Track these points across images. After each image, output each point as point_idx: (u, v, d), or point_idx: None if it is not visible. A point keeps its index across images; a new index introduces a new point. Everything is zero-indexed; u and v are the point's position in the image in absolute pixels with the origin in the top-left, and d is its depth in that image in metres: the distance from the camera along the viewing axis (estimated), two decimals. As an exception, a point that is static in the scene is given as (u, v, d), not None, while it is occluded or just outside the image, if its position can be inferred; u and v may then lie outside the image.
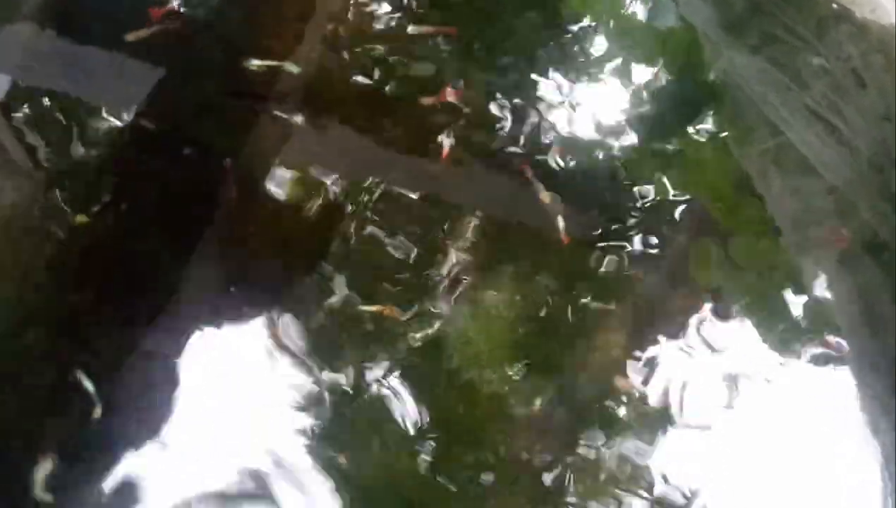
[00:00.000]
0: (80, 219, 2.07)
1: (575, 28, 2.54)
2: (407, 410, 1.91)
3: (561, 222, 2.15)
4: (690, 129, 2.36)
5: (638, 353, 2.03)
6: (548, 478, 1.86)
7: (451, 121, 2.30)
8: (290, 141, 2.27)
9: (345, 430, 1.88)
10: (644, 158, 2.33)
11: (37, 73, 2.33)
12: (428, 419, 1.90)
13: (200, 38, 2.39)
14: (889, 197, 2.07)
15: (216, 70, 2.32)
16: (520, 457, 1.89)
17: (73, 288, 1.99)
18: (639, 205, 2.25)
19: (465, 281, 2.09)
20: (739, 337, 2.06)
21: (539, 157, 2.30)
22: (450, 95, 2.32)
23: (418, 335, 2.00)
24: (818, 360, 2.01)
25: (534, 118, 2.37)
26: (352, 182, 2.21)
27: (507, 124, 2.34)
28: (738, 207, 2.23)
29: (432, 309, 2.04)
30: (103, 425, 1.82)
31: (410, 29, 2.44)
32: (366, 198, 2.19)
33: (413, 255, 2.12)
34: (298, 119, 2.28)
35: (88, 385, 1.83)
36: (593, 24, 2.54)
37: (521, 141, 2.32)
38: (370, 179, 2.22)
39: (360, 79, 2.37)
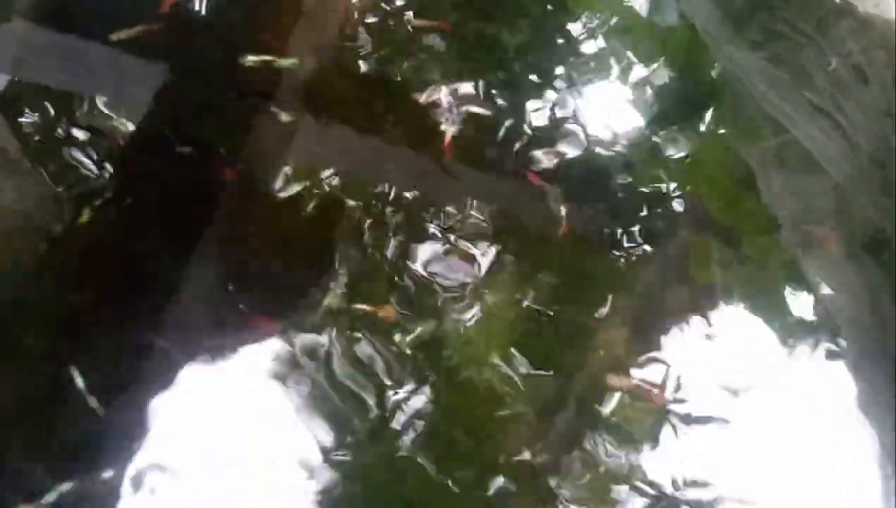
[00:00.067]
0: (84, 218, 2.07)
1: (576, 25, 2.53)
2: (407, 410, 1.91)
3: (563, 211, 2.16)
4: (691, 126, 2.35)
5: (638, 351, 2.02)
6: (549, 477, 1.86)
7: (451, 116, 2.30)
8: (290, 140, 2.27)
9: (345, 430, 1.88)
10: (645, 155, 2.33)
11: (36, 73, 2.33)
12: (428, 419, 1.90)
13: (200, 37, 2.39)
14: (891, 192, 2.06)
15: (216, 70, 2.32)
16: (521, 457, 1.89)
17: (73, 288, 1.99)
18: (639, 202, 2.25)
19: (465, 281, 2.08)
20: (740, 334, 2.06)
21: (539, 155, 2.29)
22: (450, 93, 2.32)
23: (417, 334, 2.00)
24: (819, 358, 2.01)
25: (534, 116, 2.36)
26: (352, 181, 2.21)
27: (508, 122, 2.34)
28: (739, 204, 2.23)
29: (432, 309, 2.04)
30: (103, 424, 1.82)
31: (408, 19, 2.45)
32: (366, 197, 2.19)
33: (413, 254, 2.12)
34: (298, 118, 2.27)
35: (80, 382, 1.84)
36: (594, 20, 2.53)
37: (522, 139, 2.32)
38: (370, 178, 2.22)
39: (360, 78, 2.37)
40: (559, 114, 2.38)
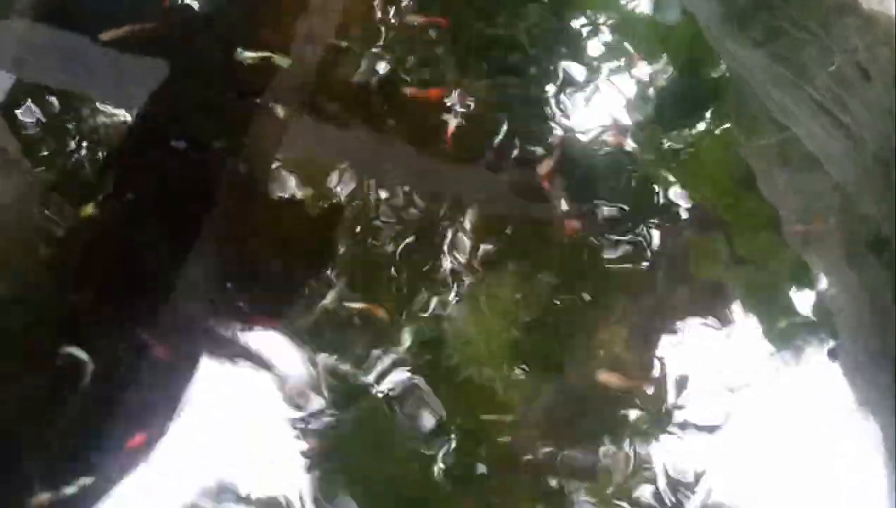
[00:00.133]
0: (86, 210, 2.08)
1: (579, 22, 2.53)
2: (407, 409, 1.90)
3: (563, 210, 2.16)
4: (693, 124, 2.34)
5: (639, 350, 2.02)
6: (549, 476, 1.86)
7: (453, 111, 2.30)
8: (289, 139, 2.27)
9: (345, 429, 1.88)
10: (647, 153, 2.32)
11: (36, 72, 2.34)
12: (428, 418, 1.90)
13: (200, 37, 2.39)
14: (894, 190, 2.05)
15: (216, 69, 2.32)
16: (521, 456, 1.89)
17: (73, 288, 1.99)
18: (641, 200, 2.24)
19: (465, 280, 2.08)
20: (741, 333, 2.05)
21: (541, 154, 2.29)
22: (451, 92, 2.32)
23: (417, 334, 2.00)
24: (819, 358, 2.00)
25: (536, 114, 2.36)
26: (351, 180, 2.21)
27: (509, 120, 2.33)
28: (740, 201, 2.22)
29: (432, 309, 2.04)
30: (103, 424, 1.83)
31: (406, 15, 2.46)
32: (365, 196, 2.19)
33: (413, 253, 2.12)
34: (298, 117, 2.28)
35: (81, 354, 1.84)
36: (598, 18, 2.53)
37: (522, 139, 2.31)
38: (370, 177, 2.22)
39: (359, 77, 2.37)
40: (562, 111, 2.37)
